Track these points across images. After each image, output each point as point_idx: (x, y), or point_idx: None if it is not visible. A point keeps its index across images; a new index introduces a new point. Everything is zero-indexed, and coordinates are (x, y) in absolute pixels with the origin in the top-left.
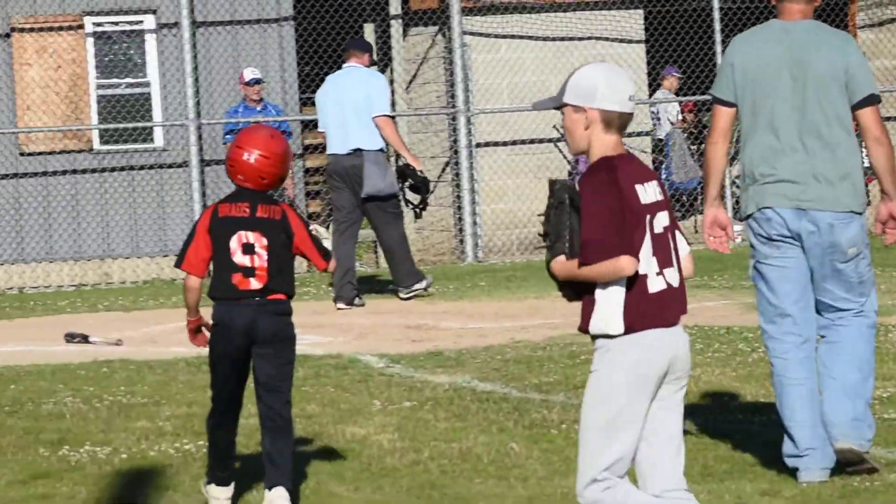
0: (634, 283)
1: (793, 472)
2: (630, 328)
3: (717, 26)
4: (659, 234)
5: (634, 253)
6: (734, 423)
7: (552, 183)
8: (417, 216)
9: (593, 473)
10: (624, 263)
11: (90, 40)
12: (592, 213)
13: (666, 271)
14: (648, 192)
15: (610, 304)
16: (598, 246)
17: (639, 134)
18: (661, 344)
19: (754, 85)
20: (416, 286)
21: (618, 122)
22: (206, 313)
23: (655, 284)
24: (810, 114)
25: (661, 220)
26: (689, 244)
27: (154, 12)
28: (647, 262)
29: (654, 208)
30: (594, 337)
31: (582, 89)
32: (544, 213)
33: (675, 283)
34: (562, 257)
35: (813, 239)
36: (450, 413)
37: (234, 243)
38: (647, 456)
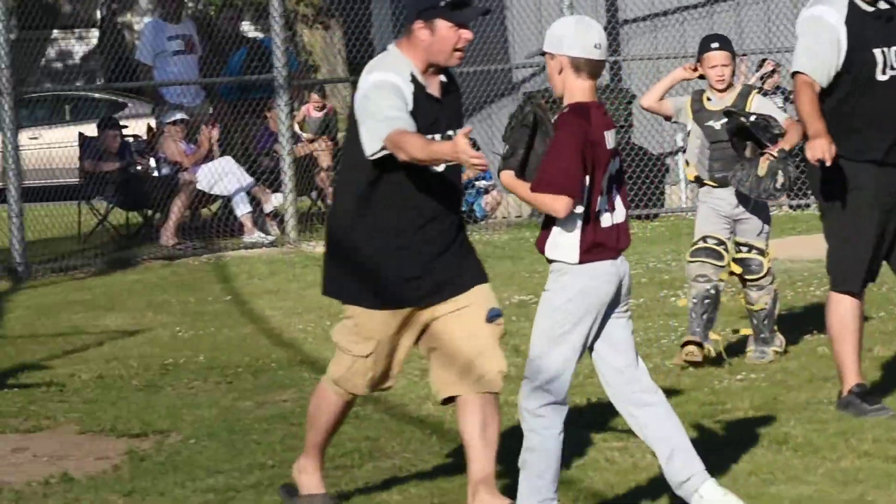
0: (591, 218)
1: None
2: (584, 259)
3: None
4: (613, 175)
5: (575, 196)
6: None
7: (525, 101)
8: None
9: (536, 382)
10: (560, 204)
11: None
12: (558, 150)
13: (617, 209)
14: (610, 140)
15: (567, 235)
16: (549, 180)
17: None
18: (609, 274)
19: None
20: None
21: (587, 69)
22: None
23: (607, 220)
24: None
25: (616, 163)
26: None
27: None
28: (603, 200)
29: (614, 153)
30: (550, 260)
31: (553, 38)
32: (508, 124)
33: (622, 220)
34: (511, 172)
35: None
36: None
37: None
38: (611, 361)
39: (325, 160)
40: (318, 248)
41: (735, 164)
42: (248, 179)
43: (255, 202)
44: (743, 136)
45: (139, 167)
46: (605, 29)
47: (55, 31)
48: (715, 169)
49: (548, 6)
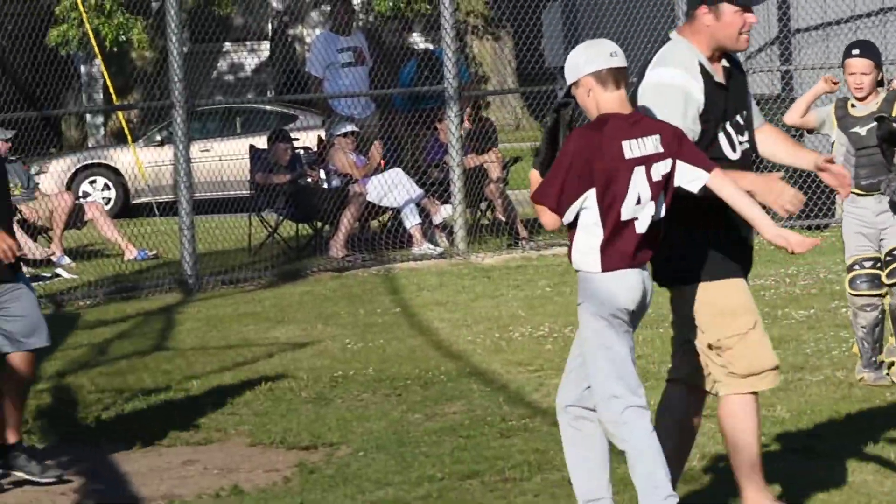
0: (615, 226)
1: None
2: (607, 267)
3: None
4: (656, 182)
5: (557, 210)
6: None
7: (555, 108)
8: None
9: (602, 393)
10: (544, 218)
11: None
12: (555, 163)
13: (643, 217)
14: (641, 147)
15: (586, 245)
16: (540, 191)
17: None
18: (634, 282)
19: None
20: None
21: (611, 78)
22: None
23: (638, 227)
24: None
25: (660, 169)
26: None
27: None
28: (630, 208)
29: (650, 160)
30: (576, 270)
31: (571, 67)
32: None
33: (648, 229)
34: (536, 172)
35: None
36: None
37: None
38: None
39: (494, 172)
40: (486, 259)
41: (883, 171)
42: (417, 191)
43: (425, 214)
44: (894, 142)
45: (309, 179)
46: (777, 38)
47: (227, 43)
48: (861, 176)
49: None
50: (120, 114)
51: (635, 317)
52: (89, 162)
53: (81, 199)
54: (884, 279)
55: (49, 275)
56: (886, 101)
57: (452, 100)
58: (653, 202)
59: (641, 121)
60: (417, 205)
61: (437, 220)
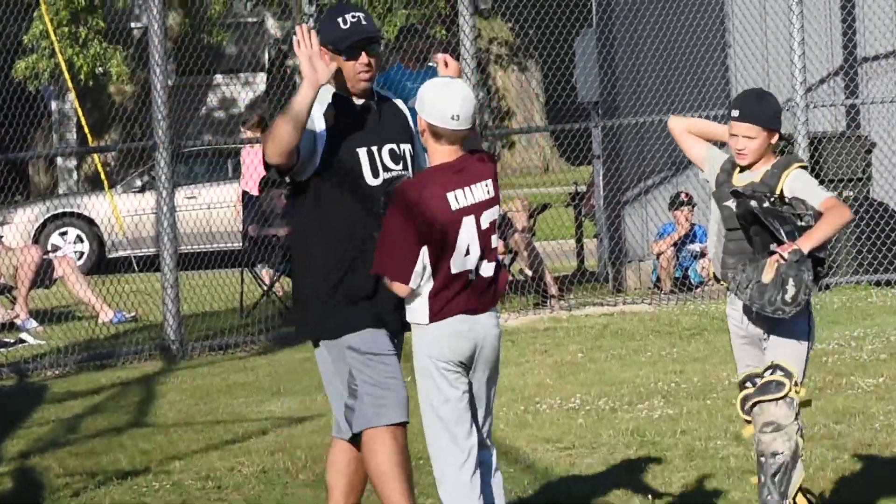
0: (443, 277)
1: None
2: (434, 318)
3: None
4: (485, 230)
5: (405, 279)
6: None
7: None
8: None
9: (437, 462)
10: (396, 290)
11: None
12: (384, 232)
13: (484, 263)
14: (468, 196)
15: (417, 300)
16: (383, 262)
17: None
18: (463, 330)
19: None
20: None
21: (445, 137)
22: None
23: (472, 276)
24: None
25: (489, 216)
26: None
27: None
28: (460, 260)
29: (479, 208)
30: (409, 324)
31: (419, 98)
32: None
33: (490, 274)
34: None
35: None
36: None
37: None
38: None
39: (519, 220)
40: (510, 320)
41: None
42: None
43: None
44: (758, 223)
45: None
46: (842, 68)
47: (218, 76)
48: (728, 265)
49: (775, 43)
50: (95, 156)
51: (478, 365)
52: (60, 211)
53: (50, 254)
54: (737, 407)
55: (12, 340)
56: (772, 173)
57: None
58: (483, 249)
59: (467, 168)
60: None
61: None
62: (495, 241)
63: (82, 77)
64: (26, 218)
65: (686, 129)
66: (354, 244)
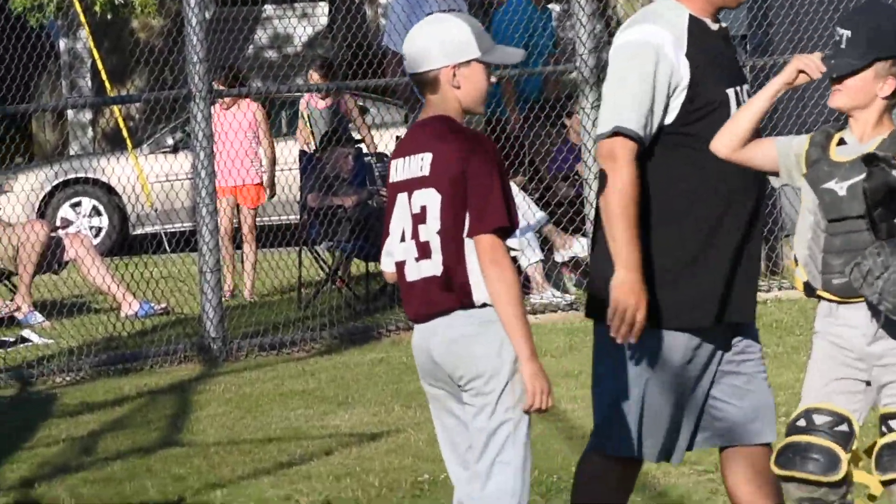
0: (398, 270)
1: None
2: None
3: None
4: (416, 215)
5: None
6: None
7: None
8: None
9: None
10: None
11: None
12: None
13: (423, 261)
14: (405, 168)
15: None
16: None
17: None
18: (418, 339)
19: None
20: None
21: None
22: None
23: (411, 273)
24: None
25: (420, 199)
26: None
27: None
28: (402, 247)
29: (410, 185)
30: None
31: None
32: None
33: (429, 274)
34: None
35: None
36: None
37: None
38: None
39: None
40: None
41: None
42: (538, 215)
43: (548, 247)
44: (890, 203)
45: (384, 199)
46: None
47: (267, 6)
48: (835, 269)
49: None
50: (116, 108)
51: (450, 381)
52: (72, 176)
53: (60, 230)
54: (874, 472)
55: (13, 339)
56: (893, 141)
57: (588, 84)
58: (414, 241)
59: (416, 134)
60: (538, 234)
61: (565, 255)
62: (428, 234)
63: (98, 8)
64: (29, 185)
65: (734, 146)
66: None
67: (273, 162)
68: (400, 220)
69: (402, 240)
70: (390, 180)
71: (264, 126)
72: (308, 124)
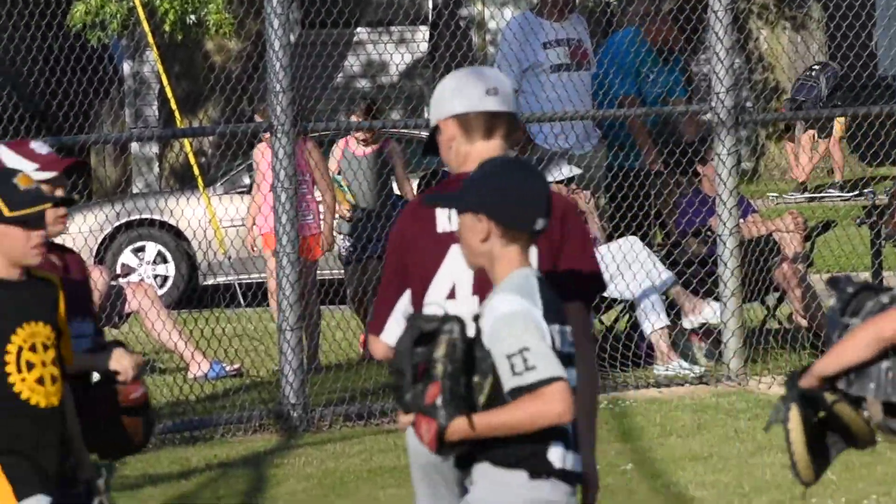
0: None
1: None
2: None
3: None
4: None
5: (377, 331)
6: None
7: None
8: None
9: None
10: (372, 347)
11: None
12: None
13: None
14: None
15: None
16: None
17: None
18: None
19: None
20: None
21: (481, 124)
22: None
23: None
24: None
25: None
26: None
27: None
28: (453, 304)
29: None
30: None
31: (433, 103)
32: None
33: None
34: None
35: None
36: None
37: None
38: None
39: (790, 244)
40: (775, 386)
41: None
42: (665, 274)
43: (675, 312)
44: None
45: None
46: None
47: (361, 29)
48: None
49: None
50: (186, 141)
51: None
52: (135, 217)
53: (121, 279)
54: None
55: None
56: None
57: (724, 126)
58: (476, 298)
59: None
60: (664, 297)
61: (694, 321)
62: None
63: (167, 27)
64: (87, 226)
65: (868, 354)
66: None
67: (332, 210)
68: (451, 273)
69: (452, 296)
70: (439, 229)
71: (322, 167)
72: (340, 187)
